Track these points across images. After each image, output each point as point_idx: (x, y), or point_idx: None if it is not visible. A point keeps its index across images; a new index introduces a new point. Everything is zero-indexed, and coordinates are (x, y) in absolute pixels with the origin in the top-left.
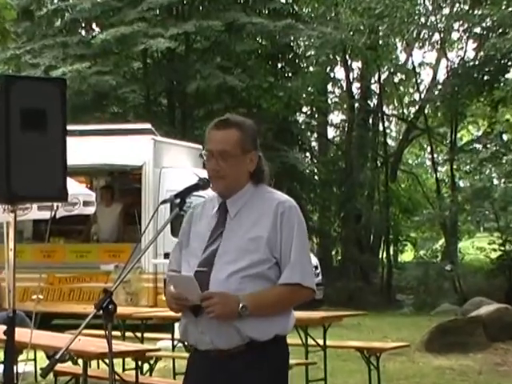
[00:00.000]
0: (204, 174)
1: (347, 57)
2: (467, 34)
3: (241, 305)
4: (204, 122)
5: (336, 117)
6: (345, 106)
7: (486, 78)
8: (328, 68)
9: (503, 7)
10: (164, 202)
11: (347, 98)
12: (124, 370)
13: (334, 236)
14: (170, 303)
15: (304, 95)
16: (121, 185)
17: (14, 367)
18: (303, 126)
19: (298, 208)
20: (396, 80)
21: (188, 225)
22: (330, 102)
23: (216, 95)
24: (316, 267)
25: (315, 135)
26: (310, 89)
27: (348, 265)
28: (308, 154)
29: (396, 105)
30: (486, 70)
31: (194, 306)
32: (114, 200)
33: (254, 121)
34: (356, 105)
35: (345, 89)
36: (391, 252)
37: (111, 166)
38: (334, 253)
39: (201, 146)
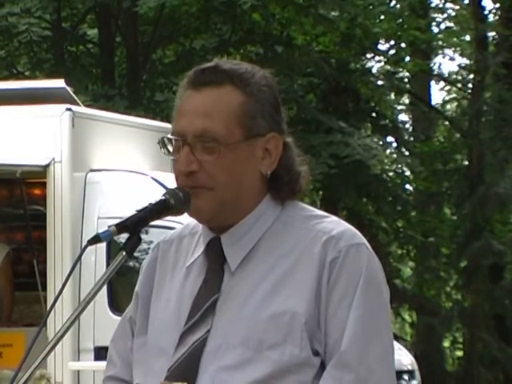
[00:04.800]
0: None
1: None
2: None
3: None
4: (175, 75)
5: (449, 62)
6: (467, 37)
7: None
8: None
9: None
10: (94, 240)
11: (472, 20)
12: None
13: (448, 309)
14: None
15: (382, 16)
16: (4, 206)
17: None
18: (380, 82)
19: (369, 248)
20: None
21: (147, 284)
22: (435, 29)
23: (199, 19)
24: (411, 373)
25: (406, 100)
26: (393, 2)
27: (478, 368)
28: (391, 138)
29: None
30: None
31: None
32: None
33: (279, 72)
34: (491, 35)
35: (467, 1)
36: None
37: None
38: (447, 344)
39: (169, 125)
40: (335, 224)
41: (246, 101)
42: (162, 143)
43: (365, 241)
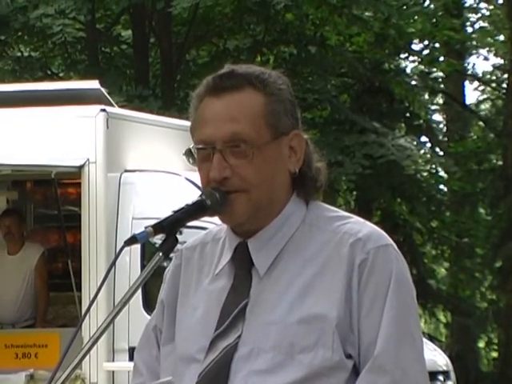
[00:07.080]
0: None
1: None
2: None
3: None
4: (208, 75)
5: (483, 62)
6: (501, 37)
7: None
8: None
9: None
10: (131, 241)
11: (506, 19)
12: None
13: (483, 310)
14: None
15: (416, 16)
16: (39, 207)
17: None
18: (414, 82)
19: (396, 249)
20: None
21: (172, 291)
22: (469, 29)
23: (232, 20)
24: (446, 374)
25: (440, 100)
26: (427, 2)
27: None
28: (425, 138)
29: None
30: None
31: None
32: (26, 240)
33: (312, 72)
34: None
35: (501, 1)
36: None
37: (17, 169)
38: (482, 345)
39: None
40: (360, 225)
41: (268, 101)
42: (189, 153)
43: (391, 241)
